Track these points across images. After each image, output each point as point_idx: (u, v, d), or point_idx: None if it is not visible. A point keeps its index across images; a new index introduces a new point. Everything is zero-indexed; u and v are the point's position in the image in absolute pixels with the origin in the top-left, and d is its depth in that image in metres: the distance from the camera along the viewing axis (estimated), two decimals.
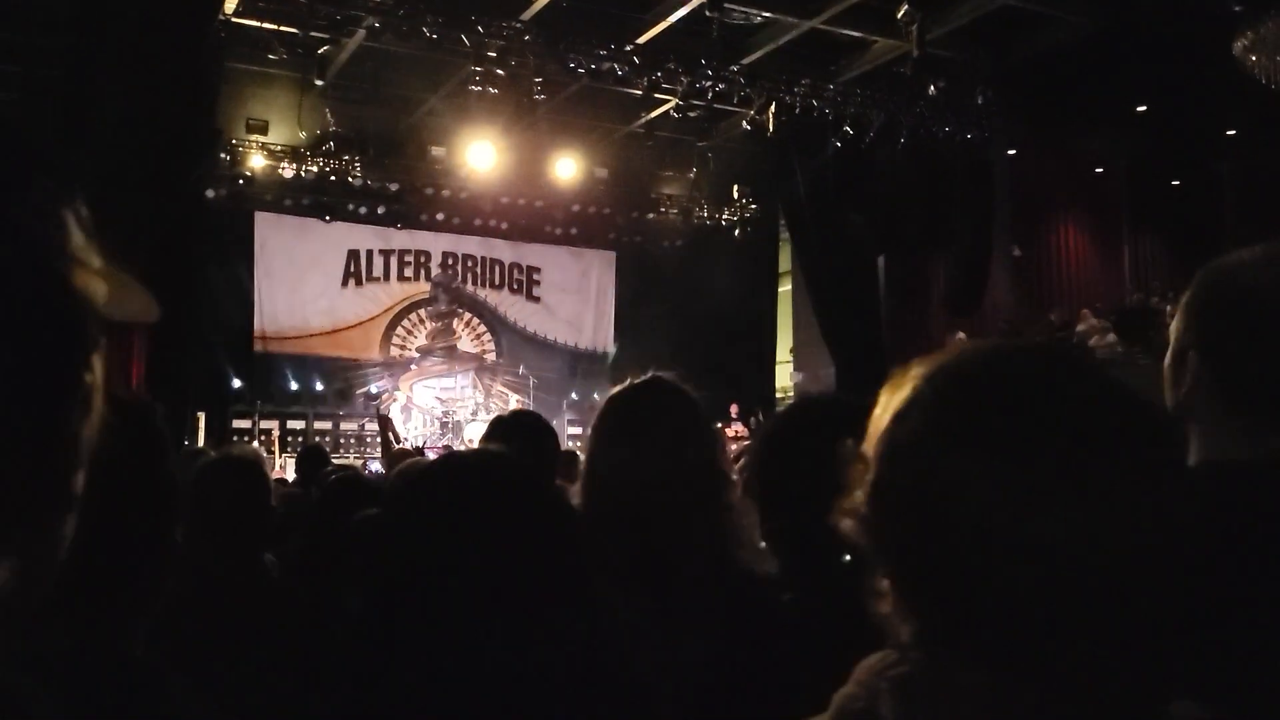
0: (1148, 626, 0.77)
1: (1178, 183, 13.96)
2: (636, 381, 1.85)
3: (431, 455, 7.79)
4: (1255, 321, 1.33)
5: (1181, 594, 0.78)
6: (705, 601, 1.62)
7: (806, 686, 0.91)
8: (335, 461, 7.64)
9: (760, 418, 14.04)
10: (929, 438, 0.82)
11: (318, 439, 12.77)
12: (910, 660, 0.82)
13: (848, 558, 0.88)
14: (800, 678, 1.19)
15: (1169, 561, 0.77)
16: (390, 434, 7.88)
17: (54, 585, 1.05)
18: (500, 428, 2.88)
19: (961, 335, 13.05)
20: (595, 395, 15.58)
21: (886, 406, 0.87)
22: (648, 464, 1.70)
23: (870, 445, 0.86)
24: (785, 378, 16.93)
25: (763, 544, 1.75)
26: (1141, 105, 12.98)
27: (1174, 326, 1.44)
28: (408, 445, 11.22)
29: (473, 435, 13.36)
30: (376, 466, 11.66)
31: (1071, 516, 0.75)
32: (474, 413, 14.50)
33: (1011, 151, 13.69)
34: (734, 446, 12.72)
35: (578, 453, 5.38)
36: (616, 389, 1.83)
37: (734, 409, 13.97)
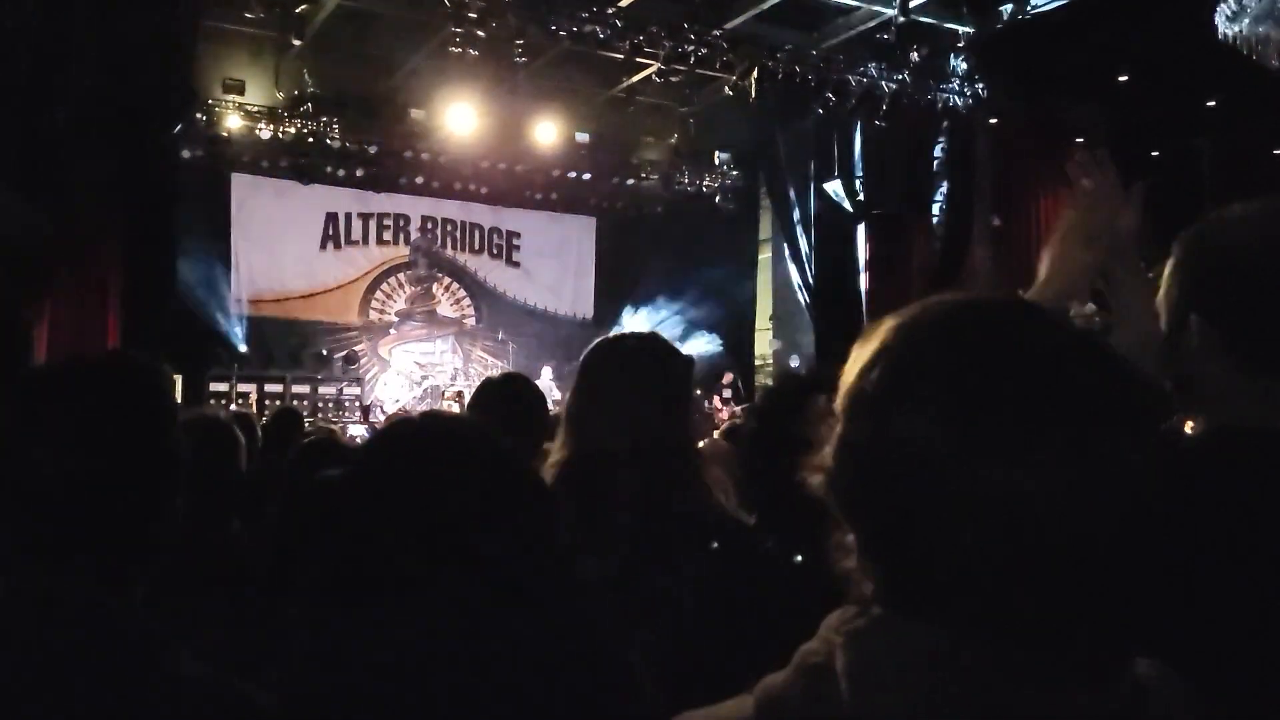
0: (1104, 584, 0.77)
1: (1157, 153, 14.00)
2: (618, 334, 1.99)
3: None
4: (1262, 279, 1.28)
5: (1142, 552, 0.78)
6: (681, 542, 1.66)
7: (786, 627, 0.92)
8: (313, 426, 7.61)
9: (739, 385, 14.12)
10: (889, 390, 0.82)
11: (295, 403, 12.72)
12: (867, 615, 0.82)
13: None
14: (780, 617, 1.21)
15: (1129, 518, 0.77)
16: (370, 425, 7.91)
17: (61, 540, 1.06)
18: (489, 391, 2.87)
19: None
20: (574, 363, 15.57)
21: (855, 360, 0.87)
22: (608, 413, 1.79)
23: (839, 401, 0.87)
24: (764, 345, 16.95)
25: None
26: (1123, 75, 12.98)
27: (1164, 294, 1.38)
28: (389, 411, 11.21)
29: (450, 396, 13.38)
30: (353, 430, 11.64)
31: (1025, 471, 0.75)
32: (453, 378, 14.48)
33: (993, 120, 13.67)
34: (724, 415, 12.80)
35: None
36: (599, 339, 1.97)
37: (727, 378, 13.96)
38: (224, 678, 1.09)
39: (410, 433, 1.19)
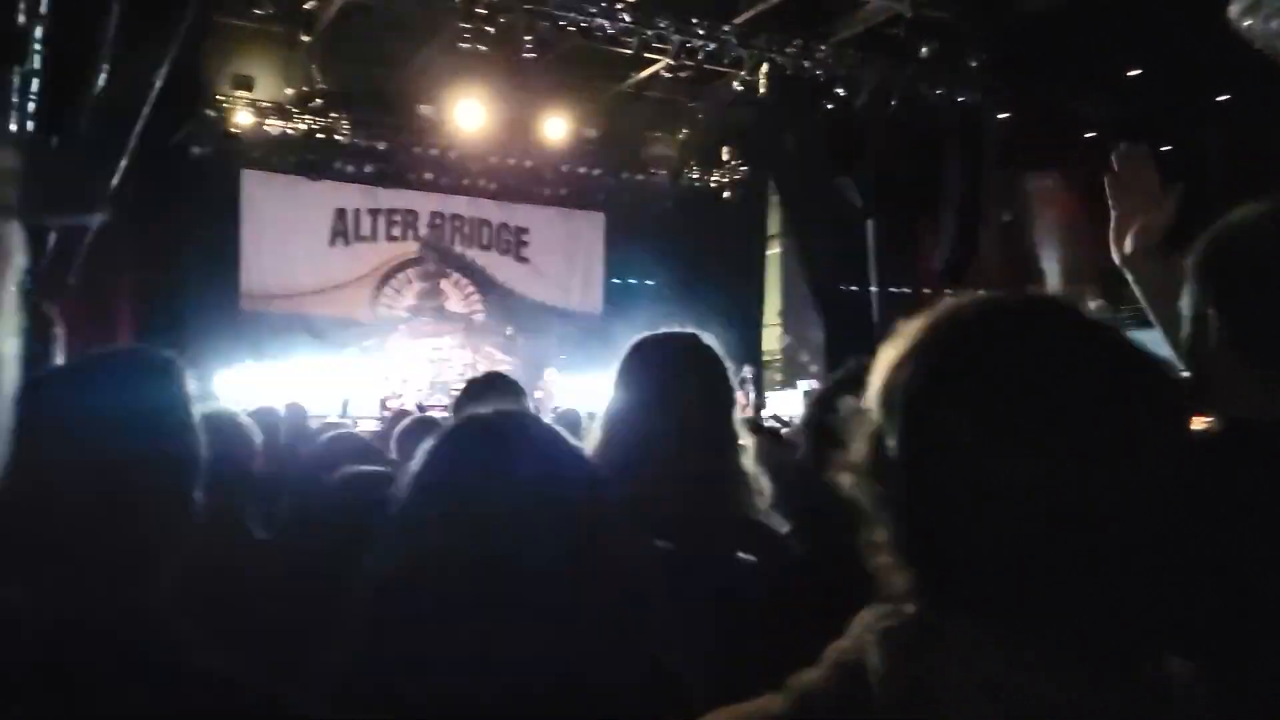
0: (1138, 580, 0.78)
1: (1169, 148, 13.93)
2: (662, 331, 1.90)
3: (437, 415, 7.78)
4: (1276, 276, 1.30)
5: (1174, 548, 0.79)
6: (714, 546, 1.65)
7: (811, 629, 0.93)
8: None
9: (750, 377, 14.09)
10: (922, 387, 0.83)
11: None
12: (901, 613, 0.83)
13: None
14: (805, 619, 1.21)
15: (1161, 515, 0.78)
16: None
17: (87, 536, 1.06)
18: (476, 389, 2.85)
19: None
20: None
21: (886, 359, 0.88)
22: (647, 410, 1.75)
23: (869, 399, 0.88)
24: (772, 340, 16.93)
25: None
26: (1134, 69, 12.91)
27: (1185, 292, 1.41)
28: (403, 406, 11.21)
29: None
30: (364, 425, 11.64)
31: (1058, 468, 0.76)
32: (462, 373, 14.48)
33: (1003, 115, 13.61)
34: (749, 410, 12.75)
35: (579, 413, 5.41)
36: (641, 336, 1.89)
37: (746, 371, 13.85)
38: (255, 676, 1.09)
39: (487, 430, 1.17)
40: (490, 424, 1.18)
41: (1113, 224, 1.77)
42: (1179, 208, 1.75)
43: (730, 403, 1.87)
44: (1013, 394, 0.79)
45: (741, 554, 1.66)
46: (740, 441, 1.82)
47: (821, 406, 1.95)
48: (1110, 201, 1.78)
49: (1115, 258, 1.79)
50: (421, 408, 11.10)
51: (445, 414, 9.94)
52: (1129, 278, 1.79)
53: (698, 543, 1.64)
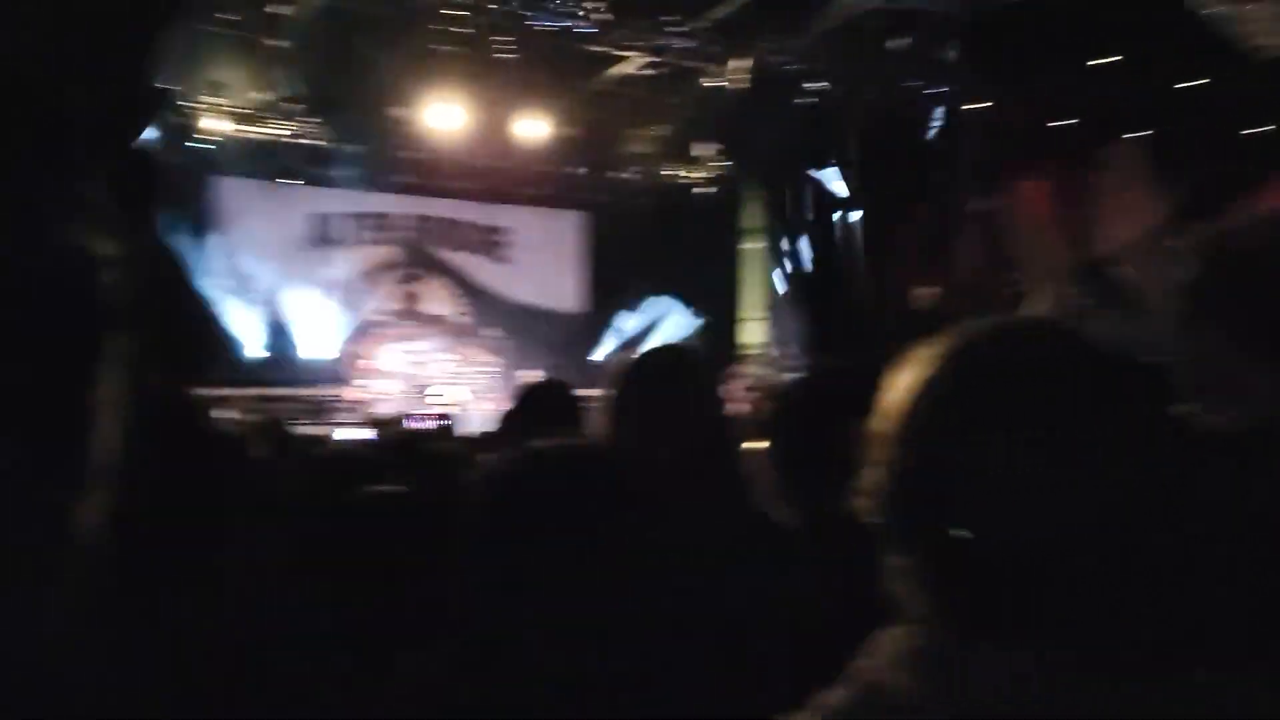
0: (1162, 588, 0.79)
1: (1149, 135, 14.01)
2: (647, 351, 2.03)
3: (415, 425, 7.75)
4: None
5: (1197, 553, 0.83)
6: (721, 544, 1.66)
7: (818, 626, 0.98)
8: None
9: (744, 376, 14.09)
10: (944, 419, 0.85)
11: (281, 405, 12.63)
12: (926, 635, 0.85)
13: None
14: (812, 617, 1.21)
15: (1181, 521, 0.80)
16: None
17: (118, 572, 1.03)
18: (531, 400, 2.78)
19: (931, 291, 13.08)
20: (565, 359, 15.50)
21: (900, 387, 0.89)
22: (638, 427, 1.83)
23: (885, 425, 0.89)
24: (754, 336, 16.94)
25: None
26: (1113, 55, 12.97)
27: (1180, 291, 1.43)
28: (385, 415, 11.12)
29: (444, 397, 13.39)
30: (341, 434, 11.55)
31: (1087, 493, 0.78)
32: (445, 377, 14.45)
33: (980, 105, 13.64)
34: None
35: None
36: (627, 359, 2.00)
37: (733, 369, 13.82)
38: None
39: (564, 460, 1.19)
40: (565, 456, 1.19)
41: (1102, 219, 1.78)
42: (1177, 205, 1.75)
43: (721, 412, 1.96)
44: (1028, 418, 0.82)
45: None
46: (738, 446, 1.87)
47: (793, 410, 1.95)
48: (1098, 196, 1.79)
49: (1102, 254, 1.79)
50: (406, 417, 11.02)
51: (433, 425, 9.87)
52: (1117, 274, 1.81)
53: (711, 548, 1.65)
